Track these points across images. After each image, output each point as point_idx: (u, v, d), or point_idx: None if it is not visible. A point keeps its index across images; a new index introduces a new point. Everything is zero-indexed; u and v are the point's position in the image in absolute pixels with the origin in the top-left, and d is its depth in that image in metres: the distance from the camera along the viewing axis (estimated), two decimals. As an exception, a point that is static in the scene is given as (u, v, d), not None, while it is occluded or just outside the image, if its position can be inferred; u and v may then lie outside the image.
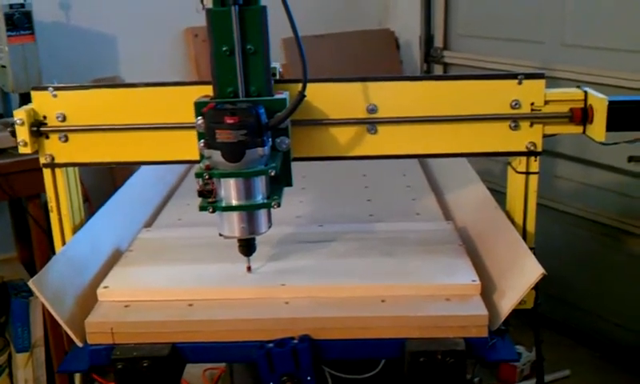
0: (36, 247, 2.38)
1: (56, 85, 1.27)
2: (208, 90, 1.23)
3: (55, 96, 1.27)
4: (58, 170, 1.31)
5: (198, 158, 1.27)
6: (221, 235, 1.19)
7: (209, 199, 1.14)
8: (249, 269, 1.24)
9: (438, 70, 3.22)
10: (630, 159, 2.37)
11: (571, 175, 2.68)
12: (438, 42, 3.18)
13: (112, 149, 1.29)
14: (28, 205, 2.36)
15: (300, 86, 1.16)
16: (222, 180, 1.13)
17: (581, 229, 2.65)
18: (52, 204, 1.33)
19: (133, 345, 1.11)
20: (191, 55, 2.91)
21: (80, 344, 1.14)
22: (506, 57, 2.77)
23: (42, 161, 1.30)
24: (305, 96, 1.14)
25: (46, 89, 1.27)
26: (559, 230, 2.67)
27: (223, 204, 1.14)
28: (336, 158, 1.27)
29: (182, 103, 1.23)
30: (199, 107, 1.14)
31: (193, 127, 1.24)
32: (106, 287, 1.20)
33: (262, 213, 1.17)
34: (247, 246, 1.21)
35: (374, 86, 1.26)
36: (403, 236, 1.37)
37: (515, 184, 1.32)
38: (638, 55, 2.37)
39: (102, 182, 2.58)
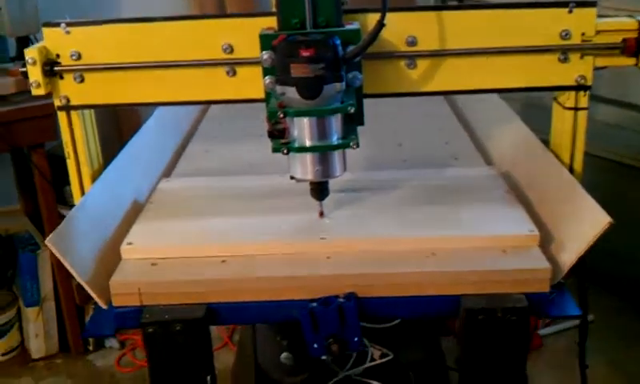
0: (41, 199, 2.28)
1: (68, 20, 1.15)
2: (230, 25, 1.13)
3: (68, 32, 1.14)
4: (73, 114, 1.20)
5: (221, 97, 1.18)
6: (292, 178, 1.10)
7: (281, 140, 1.04)
8: (321, 214, 1.15)
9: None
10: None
11: (595, 115, 2.56)
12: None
13: (131, 89, 1.17)
14: (32, 155, 2.25)
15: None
16: (296, 119, 1.03)
17: (606, 171, 2.55)
18: (69, 150, 1.22)
19: (163, 306, 1.02)
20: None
21: (104, 306, 1.04)
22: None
23: (57, 103, 1.18)
24: (384, 25, 1.04)
25: (58, 25, 1.15)
26: (584, 173, 2.56)
27: (296, 144, 1.05)
28: (373, 95, 1.16)
29: (204, 38, 1.12)
30: (267, 40, 1.03)
31: (216, 64, 1.14)
32: (130, 244, 1.10)
33: (337, 154, 1.08)
34: (320, 190, 1.12)
35: (412, 16, 1.14)
36: (445, 183, 1.27)
37: (562, 121, 1.22)
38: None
39: (107, 133, 2.46)
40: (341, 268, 1.04)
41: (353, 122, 1.08)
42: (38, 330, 2.44)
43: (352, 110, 1.03)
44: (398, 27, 1.13)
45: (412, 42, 1.14)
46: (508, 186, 1.25)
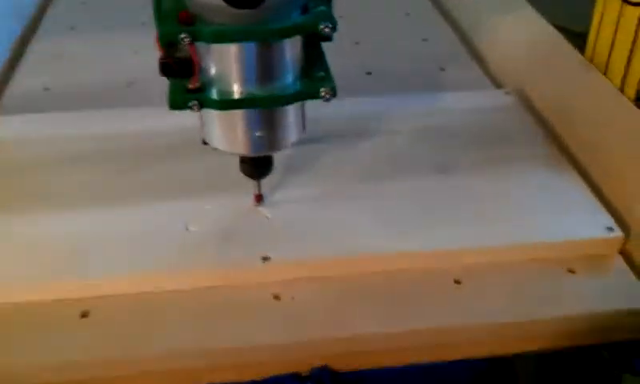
0: None
1: None
2: None
3: None
4: None
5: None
6: (205, 143, 0.60)
7: (187, 84, 0.54)
8: (258, 198, 0.67)
9: None
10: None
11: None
12: None
13: None
14: None
15: None
16: (215, 46, 0.53)
17: None
18: None
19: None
20: None
21: None
22: None
23: None
24: None
25: None
26: None
27: (215, 95, 0.55)
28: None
29: None
30: None
31: None
32: None
33: (294, 109, 0.58)
34: (260, 166, 0.63)
35: None
36: (443, 123, 0.80)
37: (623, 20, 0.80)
38: None
39: None
40: (301, 323, 0.58)
41: (320, 40, 0.58)
42: None
43: (327, 29, 0.53)
44: None
45: None
46: (547, 134, 0.81)
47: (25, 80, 0.93)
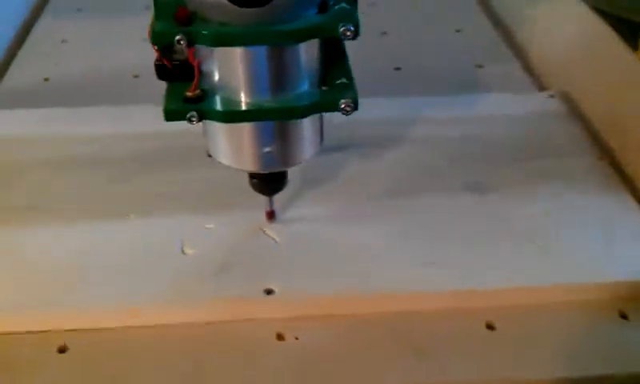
0: None
1: None
2: None
3: None
4: None
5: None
6: (209, 156, 0.53)
7: (186, 91, 0.47)
8: (270, 215, 0.59)
9: None
10: None
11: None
12: None
13: None
14: None
15: None
16: (219, 50, 0.46)
17: None
18: None
19: None
20: None
21: None
22: None
23: None
24: None
25: None
26: None
27: (219, 105, 0.47)
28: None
29: None
30: None
31: None
32: None
33: (309, 122, 0.50)
34: (274, 182, 0.56)
35: None
36: (478, 132, 0.72)
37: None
38: None
39: None
40: (310, 369, 0.50)
41: (341, 41, 0.50)
42: None
43: (348, 32, 0.45)
44: None
45: None
46: (597, 146, 0.71)
47: (24, 68, 0.86)
